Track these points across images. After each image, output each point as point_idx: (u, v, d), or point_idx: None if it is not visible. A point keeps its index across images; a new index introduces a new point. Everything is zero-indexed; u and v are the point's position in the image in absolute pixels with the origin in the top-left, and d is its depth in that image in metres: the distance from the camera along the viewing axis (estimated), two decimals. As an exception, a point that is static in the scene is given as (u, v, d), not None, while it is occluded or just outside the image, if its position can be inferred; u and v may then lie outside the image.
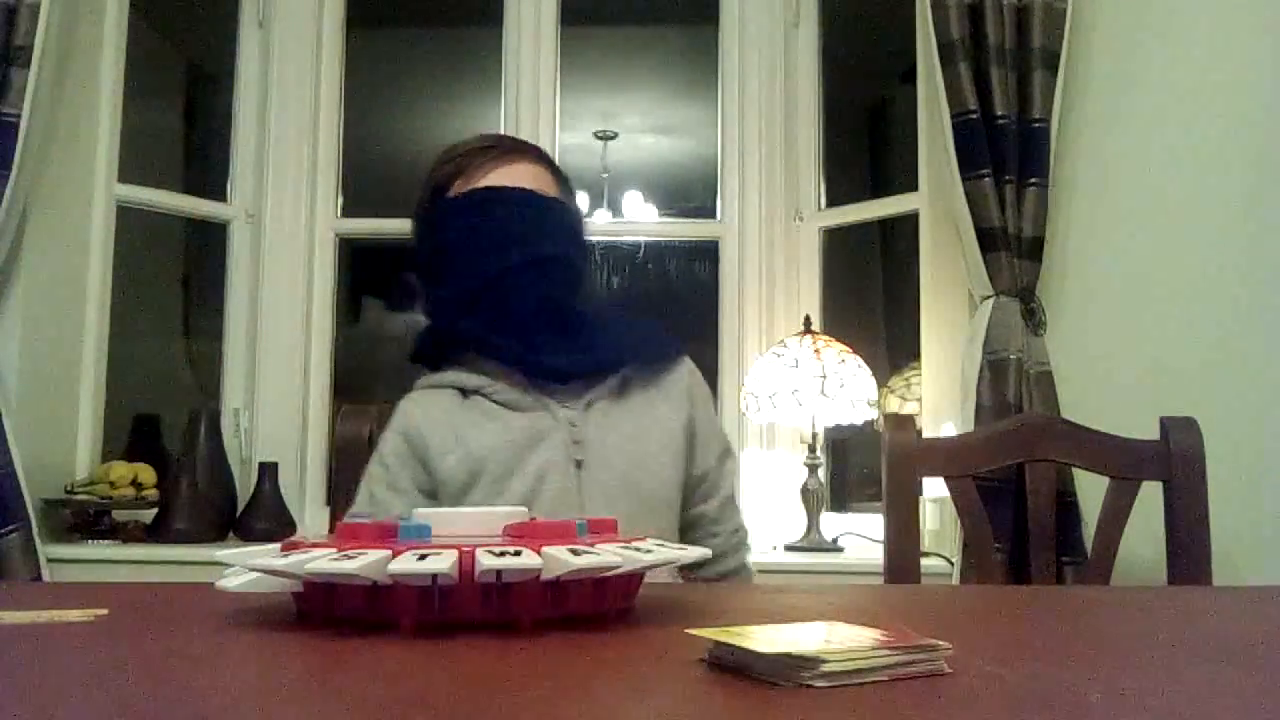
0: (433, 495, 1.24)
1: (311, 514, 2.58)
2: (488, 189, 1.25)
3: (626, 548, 0.74)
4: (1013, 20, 2.06)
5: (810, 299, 2.64)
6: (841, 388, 2.21)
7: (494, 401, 1.25)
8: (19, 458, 2.07)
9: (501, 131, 2.71)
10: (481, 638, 0.67)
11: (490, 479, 1.21)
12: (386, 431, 1.29)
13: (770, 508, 2.50)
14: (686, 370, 1.35)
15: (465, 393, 1.27)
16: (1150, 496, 1.44)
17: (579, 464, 1.23)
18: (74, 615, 0.76)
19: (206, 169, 2.81)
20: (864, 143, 3.21)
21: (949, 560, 2.08)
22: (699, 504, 1.33)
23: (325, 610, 0.72)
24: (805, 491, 2.28)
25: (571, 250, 1.29)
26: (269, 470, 2.43)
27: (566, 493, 1.21)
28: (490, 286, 1.24)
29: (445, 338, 1.31)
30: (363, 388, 2.95)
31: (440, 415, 1.26)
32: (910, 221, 2.46)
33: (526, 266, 1.23)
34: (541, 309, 1.25)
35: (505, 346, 1.25)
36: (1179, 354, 1.92)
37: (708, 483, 1.33)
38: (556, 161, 1.36)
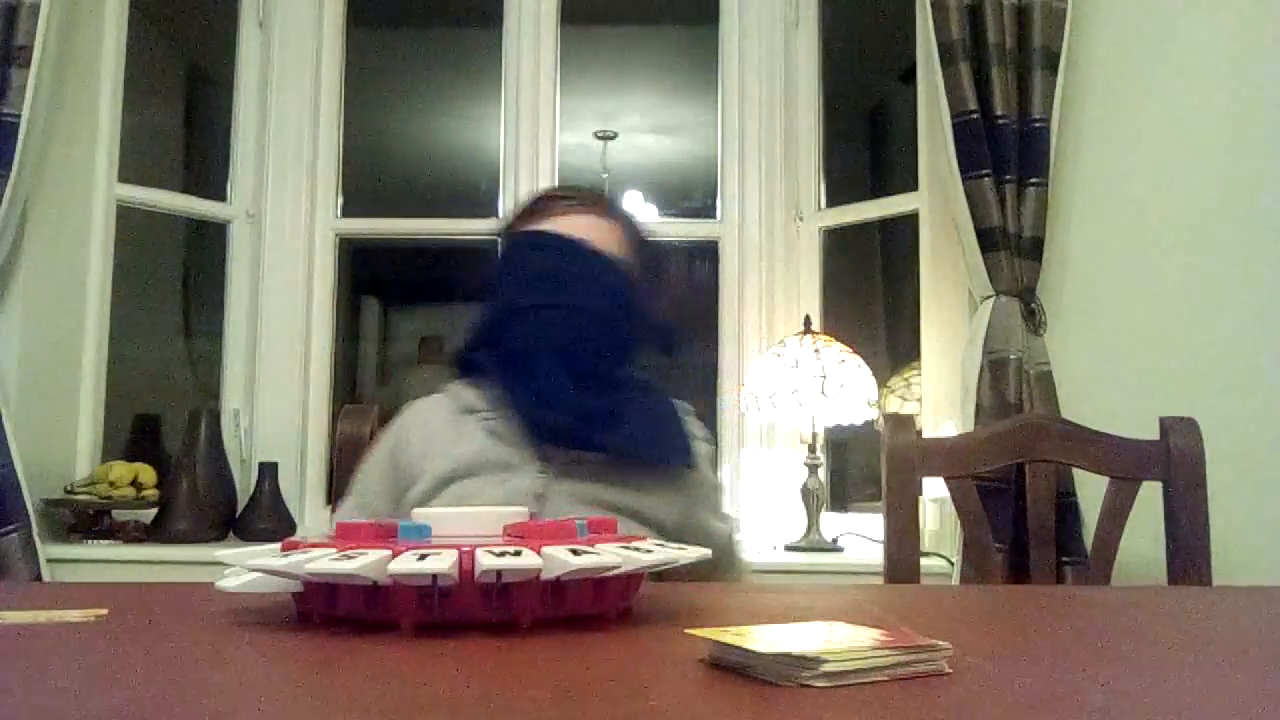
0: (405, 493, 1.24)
1: (311, 514, 2.58)
2: (538, 232, 1.24)
3: (626, 548, 0.74)
4: (1013, 20, 2.06)
5: (810, 299, 2.64)
6: (841, 388, 2.21)
7: (484, 428, 1.23)
8: (19, 458, 2.07)
9: (506, 136, 2.73)
10: (481, 638, 0.67)
11: (446, 484, 1.20)
12: (383, 436, 1.30)
13: (770, 508, 2.51)
14: (692, 479, 1.25)
15: (463, 410, 1.26)
16: (1150, 496, 1.44)
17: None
18: (74, 615, 0.76)
19: (206, 169, 2.81)
20: (864, 143, 3.21)
21: (949, 560, 2.08)
22: None
23: (325, 610, 0.72)
24: (805, 491, 2.28)
25: (608, 308, 1.22)
26: (269, 470, 2.43)
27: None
28: (510, 323, 1.22)
29: (464, 361, 1.30)
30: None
31: (433, 426, 1.26)
32: (910, 221, 2.46)
33: (548, 311, 1.19)
34: (556, 358, 1.19)
35: (513, 391, 1.20)
36: (1179, 354, 1.92)
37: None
38: (633, 222, 1.31)
